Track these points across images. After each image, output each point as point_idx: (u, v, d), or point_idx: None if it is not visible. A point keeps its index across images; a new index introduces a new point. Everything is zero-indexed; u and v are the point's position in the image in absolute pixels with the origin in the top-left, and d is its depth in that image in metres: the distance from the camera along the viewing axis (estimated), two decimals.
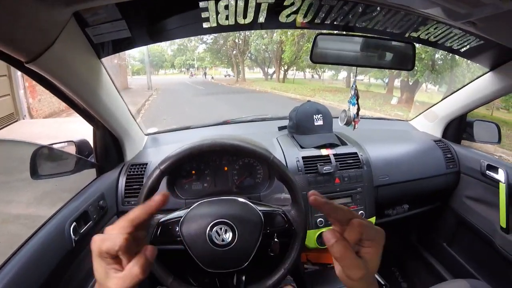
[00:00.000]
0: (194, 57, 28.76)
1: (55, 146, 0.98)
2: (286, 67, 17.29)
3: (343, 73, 15.63)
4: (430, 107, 1.42)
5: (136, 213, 0.35)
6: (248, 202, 0.80)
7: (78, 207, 0.82)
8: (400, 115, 7.44)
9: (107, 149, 1.01)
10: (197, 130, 1.35)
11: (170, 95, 12.61)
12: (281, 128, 1.29)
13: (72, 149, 0.99)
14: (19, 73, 5.79)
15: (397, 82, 10.91)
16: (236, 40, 18.09)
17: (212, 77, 25.20)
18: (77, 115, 0.90)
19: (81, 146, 1.00)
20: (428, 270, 1.41)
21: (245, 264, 0.77)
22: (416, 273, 1.47)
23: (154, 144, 1.19)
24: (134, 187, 0.99)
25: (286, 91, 13.00)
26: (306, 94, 11.66)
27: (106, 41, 0.77)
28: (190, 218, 0.76)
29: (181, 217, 0.77)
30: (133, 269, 0.33)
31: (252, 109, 8.23)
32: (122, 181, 0.99)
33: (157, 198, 0.36)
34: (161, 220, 0.77)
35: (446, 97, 1.33)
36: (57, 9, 0.55)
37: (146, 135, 1.22)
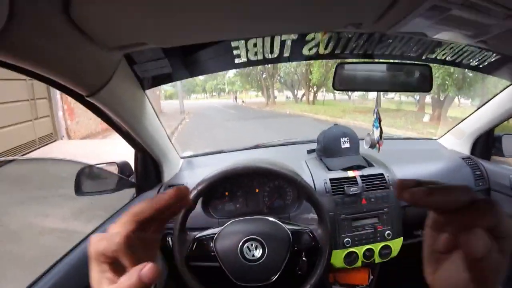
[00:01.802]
0: (225, 81, 29.75)
1: (99, 166, 1.09)
2: (315, 89, 17.40)
3: (373, 93, 15.52)
4: (457, 124, 1.42)
5: (141, 206, 0.27)
6: (277, 221, 0.86)
7: None
8: (433, 133, 7.14)
9: (146, 170, 1.10)
10: (230, 154, 1.42)
11: (201, 119, 12.92)
12: (310, 152, 1.34)
13: (114, 170, 1.10)
14: (58, 95, 6.30)
15: (428, 99, 10.52)
16: (266, 65, 18.59)
17: (243, 101, 25.72)
18: (113, 137, 1.02)
19: (123, 167, 1.11)
20: None
21: (273, 278, 0.81)
22: None
23: (189, 166, 1.27)
24: None
25: (316, 113, 12.95)
26: (336, 116, 11.53)
27: (150, 76, 0.89)
28: (224, 235, 0.83)
29: (215, 233, 0.84)
30: (124, 283, 0.24)
31: (282, 132, 8.24)
32: None
33: (169, 191, 0.27)
34: (196, 236, 0.84)
35: (472, 113, 1.32)
36: (112, 53, 0.66)
37: (181, 158, 1.31)
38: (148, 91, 0.95)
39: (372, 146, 0.97)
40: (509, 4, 0.51)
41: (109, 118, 0.86)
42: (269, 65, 17.76)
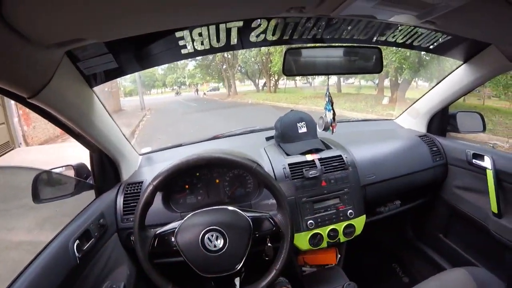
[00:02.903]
0: (185, 74, 29.12)
1: (54, 170, 1.04)
2: (276, 77, 17.44)
3: (333, 79, 15.79)
4: (412, 104, 1.48)
5: None
6: (237, 210, 0.86)
7: (80, 226, 0.88)
8: (393, 114, 7.43)
9: (104, 170, 1.07)
10: (189, 146, 1.41)
11: (163, 114, 12.69)
12: (268, 139, 1.35)
13: (71, 173, 1.06)
14: (12, 101, 5.84)
15: (387, 82, 10.86)
16: (225, 55, 18.27)
17: (204, 93, 25.30)
18: (72, 140, 0.97)
19: (79, 169, 1.07)
20: (427, 262, 1.43)
21: (238, 267, 0.82)
22: (416, 266, 1.49)
23: (149, 163, 1.25)
24: (131, 204, 1.05)
25: (278, 101, 13.11)
26: (298, 102, 11.78)
27: (96, 72, 0.85)
28: (184, 228, 0.83)
29: (175, 228, 0.83)
30: None
31: (245, 121, 8.26)
32: (120, 200, 1.06)
33: None
34: (157, 232, 0.83)
35: (426, 92, 1.38)
36: (51, 50, 0.63)
37: (140, 155, 1.28)
38: (98, 89, 0.92)
39: (326, 128, 0.99)
40: None
41: (57, 119, 0.83)
42: (229, 56, 17.72)
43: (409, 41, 1.04)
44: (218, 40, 0.84)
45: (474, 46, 1.05)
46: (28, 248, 2.23)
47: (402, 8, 0.68)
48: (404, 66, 8.12)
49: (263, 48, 15.80)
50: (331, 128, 0.98)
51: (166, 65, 29.62)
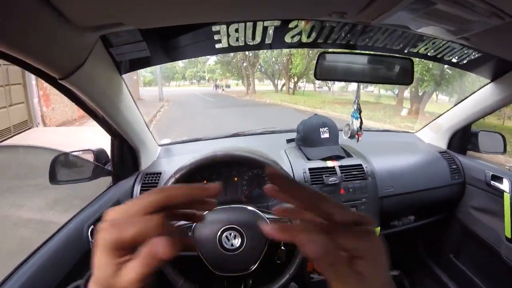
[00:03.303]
0: (205, 69, 29.34)
1: (74, 153, 1.05)
2: (295, 79, 17.46)
3: (352, 85, 15.69)
4: (435, 119, 1.45)
5: (174, 191, 0.26)
6: (256, 210, 0.85)
7: (95, 211, 0.88)
8: (410, 127, 7.38)
9: (123, 158, 1.07)
10: (208, 142, 1.41)
11: (181, 107, 12.81)
12: (289, 141, 1.34)
13: (90, 157, 1.07)
14: (33, 82, 6.07)
15: (407, 93, 10.82)
16: (247, 53, 18.34)
17: (223, 89, 25.55)
18: (90, 124, 0.99)
19: (98, 154, 1.07)
20: (436, 281, 1.41)
21: (252, 268, 0.81)
22: (424, 284, 1.47)
23: (167, 154, 1.25)
24: None
25: (296, 103, 13.06)
26: (315, 106, 11.70)
27: (127, 60, 0.85)
28: (202, 224, 0.82)
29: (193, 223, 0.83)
30: (139, 263, 0.23)
31: (261, 121, 8.29)
32: (137, 189, 1.06)
33: (205, 186, 0.26)
34: (175, 226, 0.83)
35: (450, 108, 1.36)
36: (87, 33, 0.63)
37: (159, 145, 1.28)
38: (125, 77, 0.92)
39: (351, 136, 0.98)
40: (493, 2, 0.51)
41: (83, 103, 0.83)
42: (250, 54, 17.83)
43: (440, 55, 1.03)
44: (253, 37, 0.83)
45: (503, 65, 1.03)
46: (37, 226, 2.24)
47: (440, 22, 0.67)
48: (425, 78, 8.04)
49: (284, 49, 15.86)
50: (356, 136, 0.97)
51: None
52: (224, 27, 0.78)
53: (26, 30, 0.47)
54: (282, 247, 0.91)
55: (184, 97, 17.98)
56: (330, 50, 0.93)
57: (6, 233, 2.22)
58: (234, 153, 0.84)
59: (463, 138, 1.36)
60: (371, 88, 16.58)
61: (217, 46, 0.84)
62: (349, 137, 0.99)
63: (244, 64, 19.99)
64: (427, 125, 1.50)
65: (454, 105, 1.32)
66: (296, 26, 0.82)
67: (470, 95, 1.21)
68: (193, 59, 29.18)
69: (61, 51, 0.59)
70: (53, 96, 6.61)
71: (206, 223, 0.83)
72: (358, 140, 0.98)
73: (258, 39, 0.84)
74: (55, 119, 6.83)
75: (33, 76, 5.99)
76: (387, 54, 0.99)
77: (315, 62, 0.89)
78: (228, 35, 0.81)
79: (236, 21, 0.76)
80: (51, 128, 6.41)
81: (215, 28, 0.78)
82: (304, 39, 0.88)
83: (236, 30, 0.79)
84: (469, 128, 1.34)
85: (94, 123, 0.95)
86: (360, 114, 0.96)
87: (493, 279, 1.18)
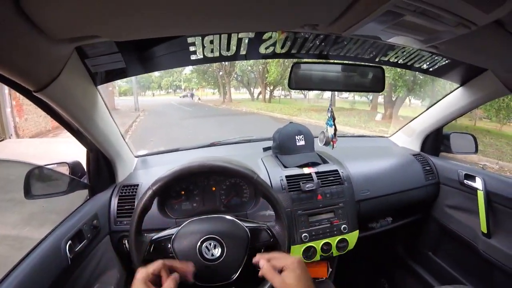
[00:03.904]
0: (181, 78, 29.21)
1: (48, 166, 1.01)
2: (271, 87, 17.63)
3: (327, 93, 15.86)
4: (408, 123, 1.51)
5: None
6: (235, 219, 0.85)
7: (73, 226, 0.86)
8: (385, 131, 7.55)
9: (99, 170, 1.05)
10: (185, 152, 1.40)
11: (157, 117, 12.66)
12: (265, 149, 1.36)
13: (65, 170, 1.04)
14: (6, 91, 5.82)
15: (381, 99, 11.13)
16: (223, 62, 18.60)
17: (199, 98, 25.45)
18: (64, 135, 0.96)
19: (74, 167, 1.04)
20: (416, 279, 1.45)
21: (234, 277, 0.81)
22: (405, 283, 1.50)
23: (144, 166, 1.23)
24: (126, 207, 1.03)
25: (272, 111, 13.17)
26: (292, 114, 11.84)
27: (103, 71, 0.85)
28: (181, 235, 0.81)
29: (172, 234, 0.82)
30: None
31: (239, 130, 8.29)
32: (115, 202, 1.04)
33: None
34: (153, 238, 0.81)
35: (422, 113, 1.42)
36: (62, 45, 0.63)
37: (136, 157, 1.27)
38: (100, 87, 0.91)
39: (327, 143, 1.00)
40: (460, 13, 0.54)
41: (58, 115, 0.81)
42: (226, 63, 17.84)
43: (410, 62, 1.08)
44: (228, 49, 0.85)
45: (471, 71, 1.09)
46: (12, 243, 2.13)
47: (409, 32, 0.70)
48: (398, 83, 8.33)
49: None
50: (331, 143, 1.00)
51: None
52: (199, 38, 0.79)
53: (1, 41, 0.47)
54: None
55: (160, 107, 17.81)
56: (303, 60, 0.96)
57: None
58: (210, 163, 0.84)
59: (436, 140, 1.42)
60: (346, 94, 17.05)
61: (193, 57, 0.86)
62: (324, 144, 1.02)
63: (220, 73, 19.98)
64: (400, 129, 1.56)
65: (426, 110, 1.38)
66: (270, 37, 0.85)
67: (441, 99, 1.27)
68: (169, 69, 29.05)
69: (36, 63, 0.59)
70: (26, 106, 6.39)
71: (185, 234, 0.82)
72: (333, 147, 1.01)
73: (233, 50, 0.86)
74: (29, 130, 6.61)
75: (5, 86, 5.79)
76: (359, 63, 1.03)
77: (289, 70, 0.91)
78: (203, 46, 0.82)
79: (212, 33, 0.77)
80: (25, 139, 6.17)
81: (190, 39, 0.79)
82: (278, 50, 0.90)
83: (211, 42, 0.81)
84: (441, 130, 1.40)
85: (69, 134, 0.93)
86: (334, 121, 1.00)
87: (471, 272, 1.23)
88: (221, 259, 0.79)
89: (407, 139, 1.50)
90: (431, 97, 8.79)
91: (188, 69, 26.19)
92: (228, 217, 0.86)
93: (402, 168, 1.31)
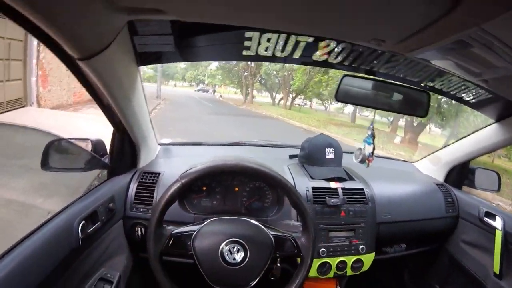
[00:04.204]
0: (206, 73, 29.16)
1: (71, 140, 0.97)
2: (294, 95, 17.53)
3: (349, 108, 15.48)
4: (435, 152, 1.49)
5: None
6: (261, 225, 0.82)
7: (88, 206, 0.82)
8: (402, 155, 7.50)
9: (123, 152, 1.01)
10: (209, 147, 1.37)
11: (177, 107, 12.59)
12: (292, 157, 1.33)
13: (87, 147, 0.99)
14: (34, 60, 5.86)
15: (401, 122, 11.00)
16: (249, 63, 18.13)
17: (221, 95, 25.34)
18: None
19: (96, 145, 1.00)
20: None
21: (252, 284, 0.78)
22: None
23: (167, 154, 1.20)
24: (144, 194, 0.99)
25: (292, 118, 12.93)
26: (311, 124, 11.61)
27: (148, 51, 0.80)
28: (203, 234, 0.78)
29: (193, 231, 0.78)
30: None
31: (257, 132, 8.25)
32: (133, 187, 1.00)
33: None
34: (173, 232, 0.78)
35: (451, 143, 1.39)
36: (117, 15, 0.59)
37: (159, 144, 1.23)
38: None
39: (362, 161, 0.98)
40: None
41: (93, 88, 0.77)
42: (252, 64, 17.73)
43: (454, 91, 1.06)
44: (283, 50, 0.82)
45: (510, 108, 1.06)
46: (18, 209, 2.08)
47: (469, 63, 0.69)
48: None
49: (287, 64, 15.79)
50: (367, 161, 0.97)
51: None
52: (257, 34, 0.76)
53: (57, 2, 0.44)
54: (278, 264, 0.89)
55: (181, 98, 17.75)
56: (352, 73, 0.93)
57: None
58: (245, 164, 0.80)
59: (461, 173, 1.39)
60: (367, 112, 16.78)
61: (244, 52, 0.82)
62: (359, 161, 0.99)
63: (245, 74, 19.71)
64: (426, 156, 1.54)
65: (456, 141, 1.36)
66: (328, 45, 0.82)
67: (473, 132, 1.25)
68: (196, 62, 28.93)
69: (89, 30, 0.56)
70: (52, 78, 6.35)
71: (208, 233, 0.79)
72: (368, 165, 0.99)
73: (287, 52, 0.83)
74: (50, 101, 6.54)
75: (34, 54, 5.77)
76: (405, 84, 1.01)
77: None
78: (259, 43, 0.79)
79: (272, 30, 0.74)
80: (45, 109, 6.12)
81: (248, 34, 0.75)
82: (332, 59, 0.88)
83: (268, 40, 0.78)
84: (468, 164, 1.37)
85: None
86: (373, 140, 0.97)
87: None
88: (243, 264, 0.76)
89: (432, 167, 1.48)
90: (452, 127, 8.75)
91: (213, 65, 25.95)
92: (253, 221, 0.83)
93: (425, 196, 1.28)
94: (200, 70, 30.07)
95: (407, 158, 1.63)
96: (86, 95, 7.43)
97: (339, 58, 0.87)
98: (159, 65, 16.81)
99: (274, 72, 18.32)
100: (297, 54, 0.84)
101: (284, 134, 8.93)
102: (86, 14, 0.51)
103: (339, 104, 15.44)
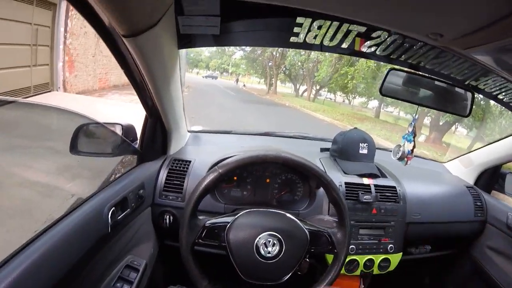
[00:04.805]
0: (230, 62, 29.03)
1: (102, 124, 0.95)
2: (318, 87, 17.32)
3: (372, 102, 15.24)
4: (467, 153, 1.45)
5: None
6: (296, 219, 0.80)
7: (118, 192, 0.80)
8: (426, 154, 7.45)
9: (154, 138, 0.99)
10: (238, 136, 1.35)
11: (200, 95, 12.50)
12: (323, 150, 1.30)
13: (118, 132, 0.96)
14: (61, 46, 5.96)
15: (426, 120, 10.66)
16: (274, 53, 18.07)
17: (244, 85, 25.29)
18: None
19: (127, 130, 0.97)
20: None
21: (285, 278, 0.77)
22: None
23: (196, 142, 1.18)
24: (174, 182, 0.97)
25: (315, 110, 12.78)
26: (334, 118, 11.45)
27: (191, 34, 0.77)
28: (238, 226, 0.76)
29: (228, 223, 0.76)
30: None
31: (281, 123, 8.24)
32: (163, 174, 0.98)
33: None
34: (207, 223, 0.76)
35: (484, 146, 1.36)
36: None
37: (189, 131, 1.21)
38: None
39: (401, 158, 0.95)
40: None
41: (131, 68, 0.75)
42: (277, 55, 17.57)
43: (496, 92, 1.02)
44: (332, 39, 0.78)
45: None
46: (41, 190, 2.05)
47: None
48: None
49: (312, 55, 15.48)
50: (406, 159, 0.94)
51: (214, 49, 29.21)
52: (309, 20, 0.72)
53: None
54: (307, 259, 0.87)
55: (205, 86, 17.71)
56: (400, 68, 0.89)
57: (9, 192, 2.01)
58: (286, 155, 0.78)
59: (492, 177, 1.36)
60: (391, 108, 16.26)
61: (292, 39, 0.78)
62: (398, 159, 0.96)
63: (270, 64, 19.56)
64: (457, 157, 1.50)
65: (489, 144, 1.32)
66: (379, 36, 0.78)
67: (507, 136, 1.21)
68: (220, 50, 28.58)
69: (138, 6, 0.53)
70: (78, 63, 6.46)
71: (243, 225, 0.77)
72: (406, 163, 0.96)
73: (336, 41, 0.79)
74: (76, 87, 6.67)
75: (61, 40, 5.85)
76: (449, 82, 0.97)
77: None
78: (309, 30, 0.75)
79: (324, 16, 0.70)
80: (71, 94, 6.24)
81: (299, 20, 0.72)
82: (379, 51, 0.83)
83: (319, 27, 0.74)
84: (499, 168, 1.34)
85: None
86: (414, 137, 0.94)
87: None
88: (278, 258, 0.74)
89: (463, 169, 1.44)
90: (478, 128, 8.62)
91: (238, 55, 25.89)
92: (288, 215, 0.81)
93: (455, 198, 1.26)
94: (224, 58, 29.94)
95: (429, 158, 1.59)
96: (111, 80, 7.60)
97: (388, 50, 0.83)
98: (183, 54, 16.90)
99: (299, 63, 18.02)
100: (345, 44, 0.80)
101: (307, 126, 8.84)
102: None
103: (363, 98, 15.34)
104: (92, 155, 0.96)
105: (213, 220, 0.77)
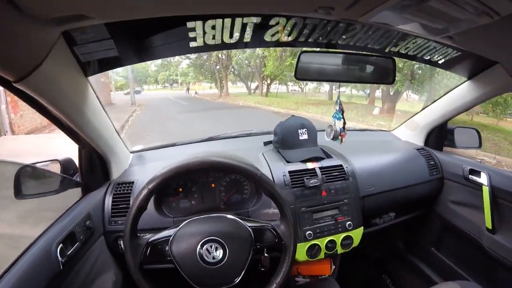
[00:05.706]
0: (178, 72, 29.04)
1: (39, 164, 0.95)
2: (268, 81, 17.49)
3: (325, 87, 15.86)
4: (411, 117, 1.47)
5: None
6: (237, 219, 0.81)
7: (64, 228, 0.80)
8: (382, 125, 7.56)
9: (92, 167, 0.99)
10: (183, 147, 1.34)
11: (153, 111, 12.58)
12: (266, 143, 1.30)
13: (57, 168, 0.97)
14: (1, 88, 5.69)
15: (378, 93, 11.18)
16: (220, 55, 18.27)
17: (196, 92, 25.32)
18: (60, 131, 0.89)
19: (66, 164, 0.97)
20: (418, 275, 1.43)
21: (237, 280, 0.77)
22: (407, 279, 1.49)
23: (140, 161, 1.17)
24: (120, 206, 0.97)
25: (270, 105, 13.07)
26: (289, 108, 11.73)
27: (93, 60, 0.77)
28: (180, 237, 0.76)
29: (170, 236, 0.77)
30: None
31: (236, 124, 8.25)
32: (109, 201, 0.98)
33: None
34: (150, 240, 0.76)
35: (426, 106, 1.38)
36: (46, 29, 0.56)
37: (131, 152, 1.21)
38: (92, 78, 0.83)
39: (335, 138, 0.96)
40: (486, 0, 0.49)
41: (45, 108, 0.74)
42: (223, 57, 17.72)
43: (420, 54, 1.03)
44: (231, 35, 0.78)
45: (480, 64, 1.05)
46: (7, 242, 2.06)
47: (428, 20, 0.66)
48: (397, 78, 8.30)
49: (257, 51, 15.74)
50: (340, 137, 0.95)
51: (159, 62, 29.30)
52: (200, 23, 0.72)
53: None
54: (266, 254, 0.87)
55: (156, 101, 17.77)
56: (311, 49, 0.90)
57: None
58: (211, 159, 0.78)
59: (440, 135, 1.38)
60: (343, 88, 16.88)
61: (192, 44, 0.79)
62: (332, 139, 0.97)
63: (217, 67, 19.70)
64: (403, 123, 1.52)
65: (431, 103, 1.34)
66: (278, 23, 0.78)
67: (446, 93, 1.23)
68: (165, 62, 28.80)
69: (17, 49, 0.52)
70: (22, 102, 6.22)
71: (184, 235, 0.77)
72: (341, 141, 0.96)
73: (236, 37, 0.79)
74: (24, 127, 6.49)
75: None
76: (368, 53, 0.98)
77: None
78: (204, 33, 0.75)
79: (214, 16, 0.70)
80: (20, 136, 6.08)
81: (190, 24, 0.72)
82: (284, 38, 0.84)
83: (213, 27, 0.74)
84: (445, 125, 1.36)
85: None
86: (342, 114, 0.94)
87: (474, 268, 1.21)
88: (223, 262, 0.74)
89: (410, 133, 1.46)
90: (428, 91, 8.80)
91: (184, 63, 26.04)
92: (229, 216, 0.81)
93: (407, 162, 1.27)
94: (171, 70, 30.05)
95: (387, 127, 1.60)
96: None
97: (293, 35, 0.84)
98: (129, 72, 16.89)
99: (246, 61, 18.28)
100: (247, 38, 0.81)
101: (263, 121, 8.98)
102: (10, 34, 0.48)
103: (315, 85, 15.95)
104: (38, 196, 0.96)
105: (156, 236, 0.77)
